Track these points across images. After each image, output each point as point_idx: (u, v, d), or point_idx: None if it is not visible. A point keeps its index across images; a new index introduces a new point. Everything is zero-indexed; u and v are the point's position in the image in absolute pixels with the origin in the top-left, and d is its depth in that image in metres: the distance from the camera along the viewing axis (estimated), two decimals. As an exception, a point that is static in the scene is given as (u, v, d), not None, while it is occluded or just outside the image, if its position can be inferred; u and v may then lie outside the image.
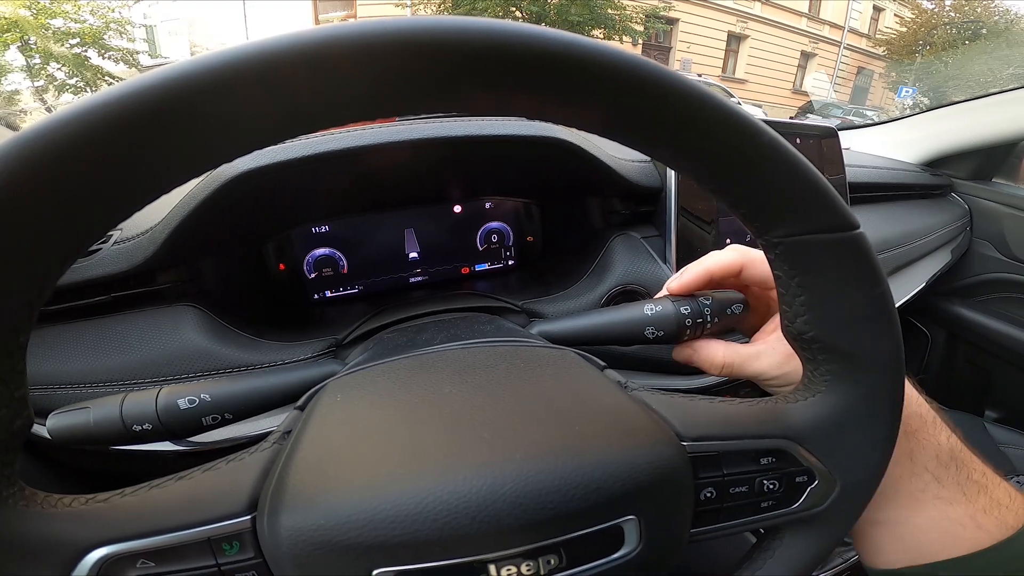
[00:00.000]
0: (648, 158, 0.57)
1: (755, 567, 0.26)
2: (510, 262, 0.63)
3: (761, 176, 0.20)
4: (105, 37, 8.39)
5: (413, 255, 0.59)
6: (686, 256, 0.56)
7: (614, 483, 0.20)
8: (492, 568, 0.18)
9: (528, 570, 0.19)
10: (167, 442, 0.43)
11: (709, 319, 0.33)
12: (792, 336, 0.25)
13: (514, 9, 9.54)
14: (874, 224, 0.87)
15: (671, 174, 0.55)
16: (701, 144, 0.19)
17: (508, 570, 0.19)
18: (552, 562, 0.19)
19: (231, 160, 0.17)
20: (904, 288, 0.91)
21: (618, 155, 0.54)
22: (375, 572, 0.18)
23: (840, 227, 0.21)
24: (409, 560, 0.18)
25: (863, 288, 0.22)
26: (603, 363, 0.28)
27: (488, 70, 0.16)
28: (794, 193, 0.20)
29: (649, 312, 0.34)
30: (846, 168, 0.73)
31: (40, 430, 0.41)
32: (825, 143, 0.67)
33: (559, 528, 0.19)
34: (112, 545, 0.19)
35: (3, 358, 0.17)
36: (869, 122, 1.30)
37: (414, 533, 0.18)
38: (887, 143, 1.17)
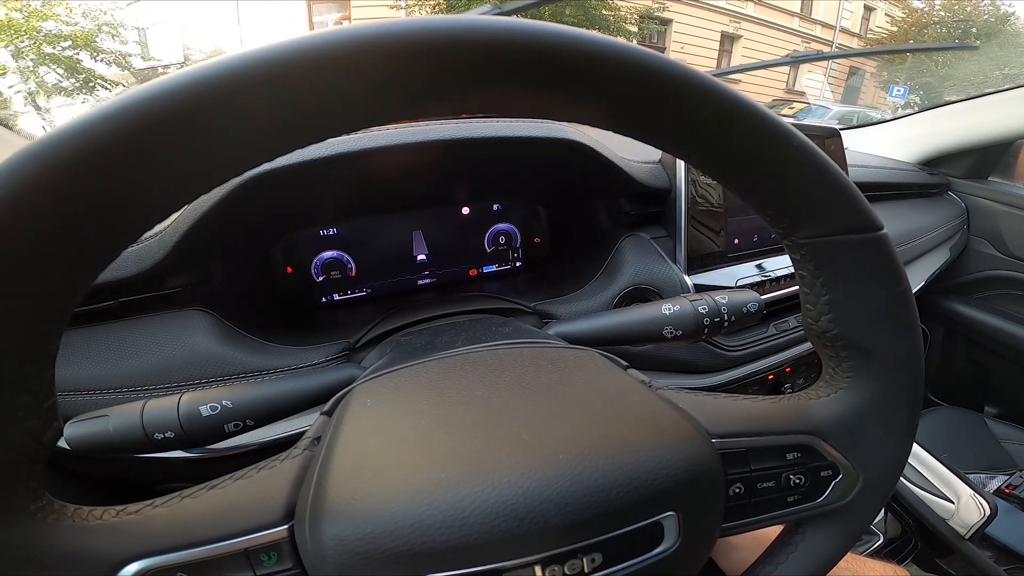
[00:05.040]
0: (657, 158, 0.58)
1: (777, 561, 0.26)
2: (518, 263, 0.63)
3: (790, 179, 0.20)
4: (97, 40, 8.32)
5: (421, 257, 0.59)
6: (695, 256, 0.56)
7: (654, 480, 0.20)
8: (538, 569, 0.18)
9: (572, 570, 0.19)
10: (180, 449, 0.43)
11: (727, 318, 0.33)
12: (816, 334, 0.25)
13: (509, 10, 9.53)
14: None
15: (680, 175, 0.55)
16: (731, 147, 0.19)
17: (553, 571, 0.19)
18: (596, 560, 0.19)
19: (257, 166, 0.16)
20: (905, 286, 0.92)
21: (627, 156, 0.54)
22: None
23: (865, 228, 0.22)
24: (459, 565, 0.18)
25: (886, 287, 0.23)
26: (625, 363, 0.29)
27: (545, 75, 0.16)
28: (821, 196, 0.21)
29: (667, 312, 0.34)
30: (848, 168, 0.73)
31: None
32: (829, 143, 0.68)
33: (603, 527, 0.19)
34: (148, 559, 0.18)
35: (31, 366, 0.16)
36: (867, 122, 1.31)
37: (463, 538, 0.18)
38: (884, 143, 1.18)
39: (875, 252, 0.22)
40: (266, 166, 0.41)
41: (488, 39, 0.15)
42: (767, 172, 0.20)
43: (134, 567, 0.18)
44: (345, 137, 0.44)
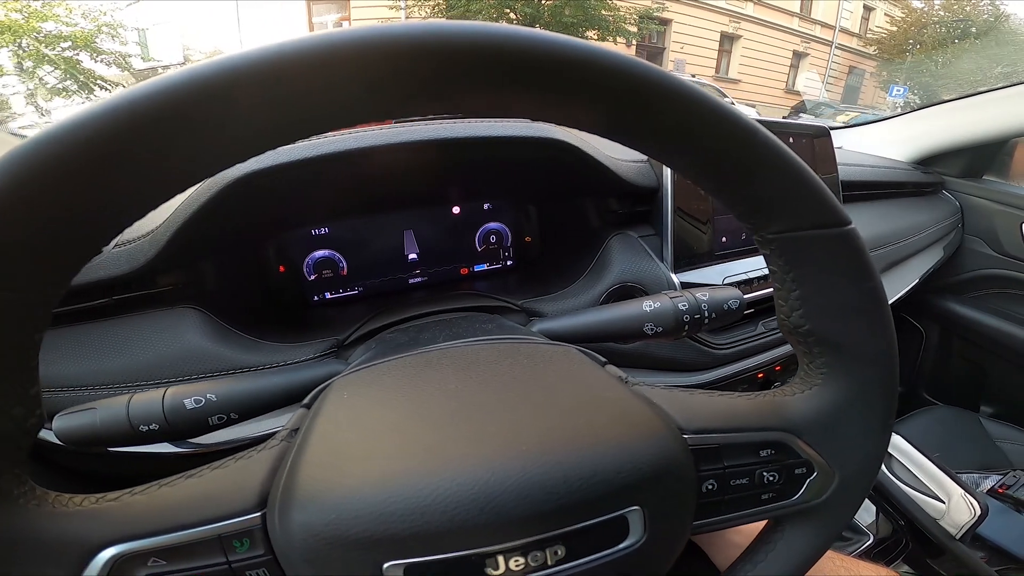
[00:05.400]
0: (644, 158, 0.58)
1: (757, 559, 0.27)
2: (509, 262, 0.63)
3: (756, 175, 0.20)
4: (97, 40, 8.33)
5: (412, 256, 0.59)
6: (682, 254, 0.57)
7: (618, 474, 0.20)
8: (500, 559, 0.19)
9: (535, 561, 0.19)
10: (170, 444, 0.43)
11: (707, 315, 0.34)
12: (788, 330, 0.25)
13: (508, 11, 9.55)
14: (867, 221, 0.89)
15: (667, 173, 0.56)
16: (697, 145, 0.19)
17: (516, 561, 0.19)
18: (559, 552, 0.19)
19: (241, 162, 0.17)
20: (898, 284, 0.92)
21: (615, 155, 0.55)
22: (386, 565, 0.18)
23: (832, 223, 0.22)
24: (419, 552, 0.18)
25: (856, 282, 0.23)
26: (604, 359, 0.29)
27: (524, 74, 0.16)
28: (788, 191, 0.21)
29: (648, 309, 0.34)
30: (839, 167, 0.74)
31: (44, 434, 0.41)
32: (817, 142, 0.68)
33: (565, 519, 0.19)
34: (123, 544, 0.19)
35: (17, 355, 0.17)
36: (863, 121, 1.32)
37: (423, 525, 0.18)
38: (879, 142, 1.19)
39: (843, 247, 0.22)
40: (255, 166, 0.41)
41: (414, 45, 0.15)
42: (734, 169, 0.20)
43: (110, 552, 0.19)
44: (335, 137, 0.44)
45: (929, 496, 0.70)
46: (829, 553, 0.39)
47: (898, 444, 0.75)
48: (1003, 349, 1.11)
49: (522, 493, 0.19)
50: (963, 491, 0.68)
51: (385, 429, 0.22)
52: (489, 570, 0.19)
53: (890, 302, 0.89)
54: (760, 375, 0.63)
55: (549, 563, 0.19)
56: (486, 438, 0.21)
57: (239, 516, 0.20)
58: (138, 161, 0.15)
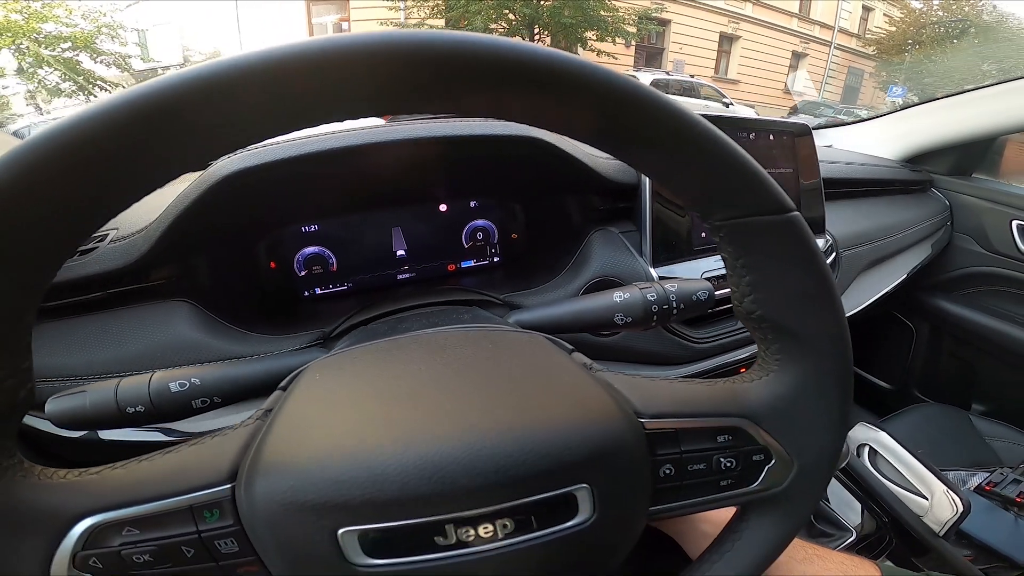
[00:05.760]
0: None
1: (724, 549, 0.27)
2: (495, 259, 0.64)
3: (698, 165, 0.21)
4: (97, 41, 8.34)
5: (401, 253, 0.60)
6: (662, 249, 0.58)
7: (565, 451, 0.21)
8: (450, 529, 0.20)
9: (486, 532, 0.20)
10: (160, 433, 0.45)
11: (675, 305, 0.35)
12: (743, 316, 0.26)
13: (507, 12, 9.55)
14: (853, 219, 0.89)
15: None
16: (638, 135, 0.20)
17: (466, 531, 0.20)
18: (508, 526, 0.20)
19: (220, 156, 0.18)
20: (884, 281, 0.93)
21: (595, 153, 0.56)
22: (340, 531, 0.19)
23: (776, 210, 0.22)
24: (371, 519, 0.19)
25: (802, 268, 0.24)
26: (571, 347, 0.30)
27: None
28: (730, 179, 0.22)
29: (618, 299, 0.35)
30: (827, 164, 0.74)
31: (38, 423, 0.42)
32: (799, 140, 0.69)
33: (513, 492, 0.20)
34: (100, 514, 0.20)
35: (11, 329, 0.18)
36: (854, 119, 1.32)
37: (375, 493, 0.19)
38: (869, 140, 1.19)
39: (788, 233, 0.23)
40: (245, 164, 0.42)
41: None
42: (676, 158, 0.21)
43: (87, 522, 0.20)
44: (324, 136, 0.46)
45: (913, 493, 0.70)
46: (811, 546, 0.40)
47: (883, 440, 0.76)
48: (993, 347, 1.11)
49: (470, 465, 0.20)
50: (946, 488, 0.68)
51: (348, 406, 0.23)
52: (439, 539, 0.20)
53: (876, 298, 0.89)
54: (743, 369, 0.64)
55: (499, 535, 0.20)
56: (440, 414, 0.22)
57: (209, 488, 0.21)
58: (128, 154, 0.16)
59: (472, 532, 0.20)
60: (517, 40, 0.17)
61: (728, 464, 0.25)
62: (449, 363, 0.26)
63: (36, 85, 7.88)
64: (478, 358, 0.26)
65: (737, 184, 0.22)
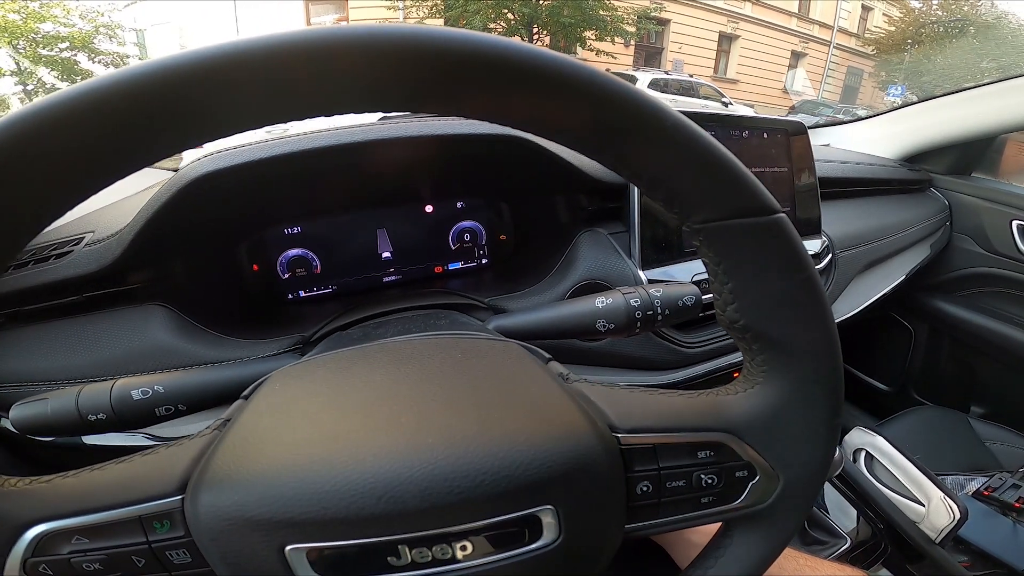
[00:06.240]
0: None
1: (707, 565, 0.26)
2: (483, 260, 0.63)
3: (671, 161, 0.20)
4: (95, 41, 8.35)
5: (386, 255, 0.59)
6: (652, 251, 0.56)
7: (525, 472, 0.20)
8: (404, 549, 0.19)
9: (443, 554, 0.19)
10: (142, 436, 0.44)
11: (660, 311, 0.33)
12: (726, 325, 0.24)
13: (506, 11, 9.55)
14: (850, 219, 0.88)
15: None
16: (605, 129, 0.19)
17: (421, 552, 0.19)
18: (467, 548, 0.19)
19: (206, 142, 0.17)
20: (883, 282, 0.92)
21: None
22: (287, 548, 0.19)
23: (759, 211, 0.21)
24: (319, 537, 0.19)
25: (788, 274, 0.22)
26: (548, 356, 0.29)
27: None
28: (708, 178, 0.20)
29: (600, 305, 0.34)
30: (824, 163, 0.73)
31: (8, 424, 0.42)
32: (794, 139, 0.67)
33: (470, 514, 0.19)
34: (48, 523, 0.20)
35: None
36: (853, 119, 1.31)
37: (321, 511, 0.18)
38: (867, 139, 1.18)
39: (772, 237, 0.21)
40: (218, 165, 0.41)
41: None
42: (648, 154, 0.20)
43: (36, 530, 0.20)
44: (303, 136, 0.44)
45: (909, 499, 0.69)
46: (802, 556, 0.39)
47: (879, 445, 0.74)
48: (993, 348, 1.10)
49: (423, 485, 0.19)
50: (943, 494, 0.67)
51: (301, 417, 0.23)
52: (392, 559, 0.19)
53: (874, 299, 0.88)
54: (736, 374, 0.62)
55: (459, 557, 0.19)
56: (394, 429, 0.21)
57: (159, 499, 0.20)
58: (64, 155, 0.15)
59: (428, 553, 0.19)
60: (469, 32, 0.16)
61: (709, 481, 0.24)
62: (411, 375, 0.25)
63: (34, 85, 7.88)
64: (444, 369, 0.25)
65: (716, 183, 0.20)
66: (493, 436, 0.20)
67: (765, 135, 0.64)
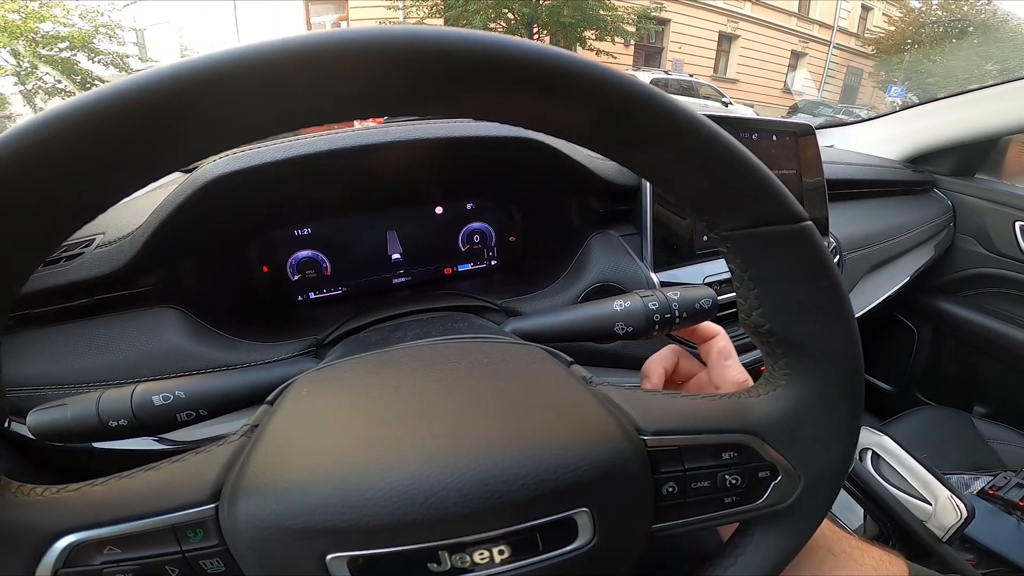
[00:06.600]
0: None
1: (727, 564, 0.26)
2: (493, 262, 0.63)
3: (702, 169, 0.20)
4: (94, 41, 8.34)
5: (396, 256, 0.59)
6: (663, 253, 0.56)
7: (562, 475, 0.20)
8: (444, 555, 0.19)
9: (481, 559, 0.19)
10: (152, 441, 0.44)
11: (678, 314, 0.33)
12: (751, 329, 0.25)
13: (506, 11, 9.54)
14: (856, 220, 0.88)
15: None
16: (638, 138, 0.19)
17: (460, 558, 0.19)
18: (505, 552, 0.19)
19: (210, 155, 0.17)
20: (887, 284, 0.92)
21: (593, 154, 0.54)
22: (328, 557, 0.19)
23: (787, 219, 0.21)
24: (360, 545, 0.19)
25: (813, 280, 0.22)
26: (570, 359, 0.29)
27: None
28: (738, 186, 0.20)
29: (618, 308, 0.34)
30: (829, 165, 0.73)
31: (24, 429, 0.42)
32: (802, 141, 0.67)
33: (507, 518, 0.19)
34: (80, 532, 0.19)
35: None
36: (855, 119, 1.31)
37: (363, 519, 0.18)
38: (870, 140, 1.18)
39: (799, 244, 0.22)
40: (233, 166, 0.41)
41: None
42: (679, 162, 0.20)
43: (66, 540, 0.19)
44: (315, 138, 0.44)
45: (916, 498, 0.69)
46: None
47: (885, 445, 0.75)
48: (996, 349, 1.11)
49: (462, 491, 0.19)
50: (950, 493, 0.67)
51: (335, 424, 0.23)
52: (433, 565, 0.19)
53: (880, 300, 0.88)
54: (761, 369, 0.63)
55: (496, 561, 0.19)
56: (431, 435, 0.21)
57: (192, 507, 0.20)
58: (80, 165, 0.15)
59: (468, 559, 0.19)
60: (506, 36, 0.16)
61: (733, 481, 0.24)
62: (440, 380, 0.25)
63: (34, 85, 7.87)
64: (472, 373, 0.25)
65: (746, 191, 0.20)
66: (529, 440, 0.20)
67: (774, 137, 0.65)
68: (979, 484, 0.86)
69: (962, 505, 0.67)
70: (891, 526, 0.69)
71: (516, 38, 0.16)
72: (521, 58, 0.16)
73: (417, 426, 0.21)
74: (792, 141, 0.67)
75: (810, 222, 0.22)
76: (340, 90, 0.16)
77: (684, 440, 0.23)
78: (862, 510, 0.72)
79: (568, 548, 0.20)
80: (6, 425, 0.42)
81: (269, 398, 0.27)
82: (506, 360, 0.27)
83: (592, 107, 0.18)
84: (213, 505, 0.20)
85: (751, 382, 0.31)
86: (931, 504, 0.68)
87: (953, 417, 1.06)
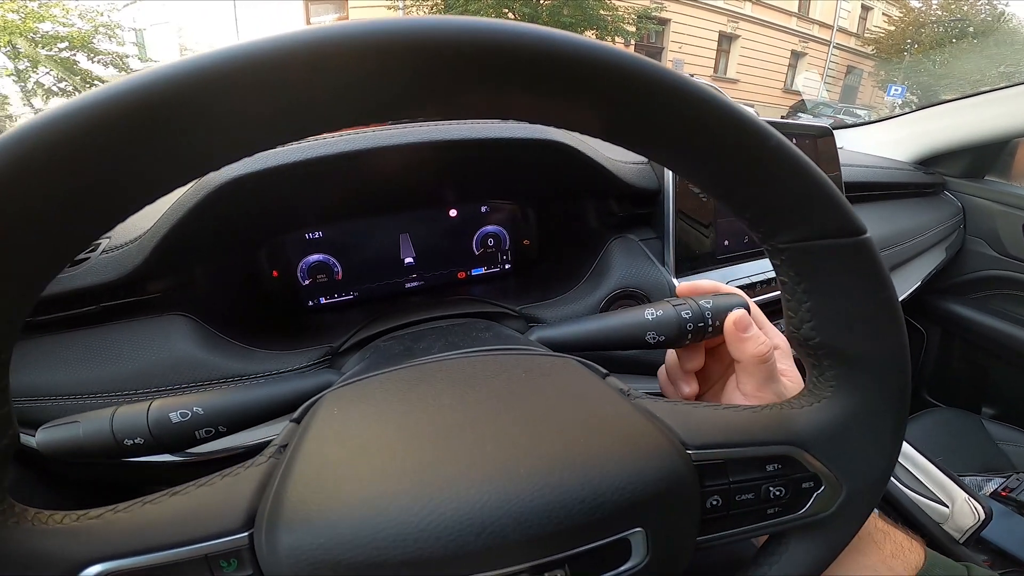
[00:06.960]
0: (644, 159, 0.57)
1: (760, 572, 0.26)
2: (507, 266, 0.62)
3: (767, 181, 0.19)
4: (94, 41, 8.33)
5: (409, 260, 0.58)
6: (684, 258, 0.56)
7: (619, 496, 0.19)
8: None
9: None
10: (169, 454, 0.43)
11: (711, 323, 0.33)
12: (798, 342, 0.24)
13: (506, 11, 9.54)
14: (869, 223, 0.86)
15: (668, 175, 0.55)
16: (705, 148, 0.18)
17: None
18: (560, 575, 0.19)
19: (225, 164, 0.16)
20: (900, 287, 0.91)
21: (614, 156, 0.53)
22: None
23: (848, 232, 0.21)
24: None
25: (870, 293, 0.22)
26: (605, 371, 0.28)
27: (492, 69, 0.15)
28: (800, 198, 0.20)
29: (650, 317, 0.33)
30: (844, 168, 0.72)
31: (31, 440, 0.40)
32: (821, 142, 0.67)
33: (565, 543, 0.19)
34: (108, 563, 0.18)
35: None
36: (861, 121, 1.31)
37: (418, 551, 0.17)
38: (879, 142, 1.18)
39: (858, 257, 0.21)
40: (244, 169, 0.40)
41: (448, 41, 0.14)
42: (744, 173, 0.19)
43: (94, 570, 0.18)
44: (329, 139, 0.43)
45: (932, 500, 0.69)
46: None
47: (901, 448, 0.74)
48: (1005, 351, 1.10)
49: (522, 518, 0.18)
50: (967, 495, 0.67)
51: (377, 447, 0.21)
52: None
53: (895, 304, 0.87)
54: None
55: None
56: (482, 459, 0.20)
57: (226, 536, 0.19)
58: (103, 167, 0.14)
59: None
60: (567, 33, 0.15)
61: (777, 493, 0.24)
62: (481, 398, 0.24)
63: (33, 85, 7.86)
64: (512, 389, 0.24)
65: (809, 204, 0.20)
66: (581, 461, 0.20)
67: (793, 139, 0.63)
68: (992, 486, 0.85)
69: (980, 507, 0.66)
70: (907, 527, 0.69)
71: (599, 42, 0.15)
72: (615, 66, 0.16)
73: (464, 449, 0.21)
74: (812, 143, 0.66)
75: (869, 235, 0.21)
76: (387, 91, 0.15)
77: (729, 454, 0.23)
78: (877, 511, 0.71)
79: (622, 568, 0.20)
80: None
81: (295, 416, 0.26)
82: (544, 374, 0.26)
83: (678, 122, 0.17)
84: (247, 533, 0.19)
85: (771, 354, 0.30)
86: (948, 506, 0.68)
87: (963, 419, 1.06)
